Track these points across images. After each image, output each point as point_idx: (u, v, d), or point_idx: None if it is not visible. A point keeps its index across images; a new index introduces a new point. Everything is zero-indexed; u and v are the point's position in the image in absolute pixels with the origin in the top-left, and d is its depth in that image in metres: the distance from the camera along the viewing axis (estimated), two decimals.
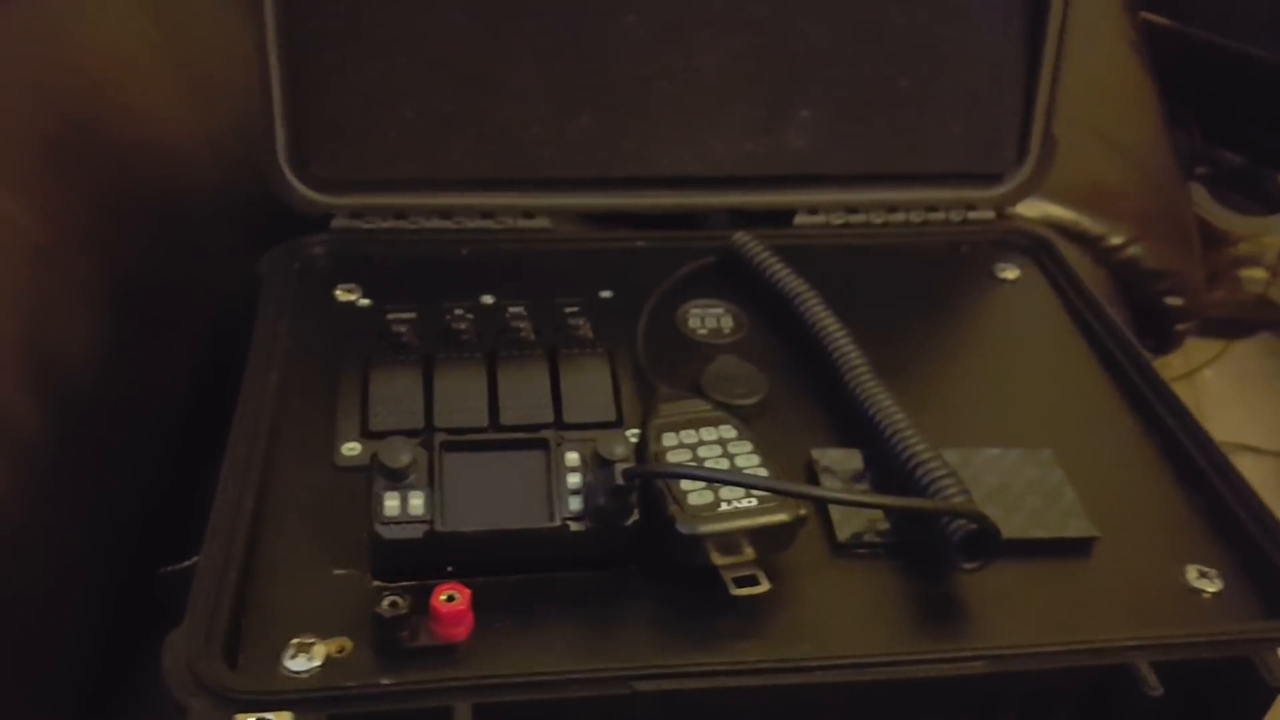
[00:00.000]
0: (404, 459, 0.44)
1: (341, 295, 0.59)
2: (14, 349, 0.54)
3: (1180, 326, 0.90)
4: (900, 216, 0.68)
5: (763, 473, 0.46)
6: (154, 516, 0.58)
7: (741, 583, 0.44)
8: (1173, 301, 0.89)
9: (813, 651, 0.43)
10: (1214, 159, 1.27)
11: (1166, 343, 0.90)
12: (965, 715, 0.45)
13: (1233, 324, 1.31)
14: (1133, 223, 0.87)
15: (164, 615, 0.43)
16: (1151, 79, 1.01)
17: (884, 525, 0.48)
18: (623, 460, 0.44)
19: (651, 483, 0.45)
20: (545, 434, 0.46)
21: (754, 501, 0.44)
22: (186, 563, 0.51)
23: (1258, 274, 1.27)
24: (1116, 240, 0.87)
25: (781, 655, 0.43)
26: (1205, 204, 1.22)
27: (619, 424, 0.52)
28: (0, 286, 0.53)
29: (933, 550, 0.47)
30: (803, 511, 0.45)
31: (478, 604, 0.42)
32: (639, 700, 0.41)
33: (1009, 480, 0.50)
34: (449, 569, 0.44)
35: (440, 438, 0.46)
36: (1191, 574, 0.48)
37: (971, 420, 0.55)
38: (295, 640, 0.42)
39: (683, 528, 0.44)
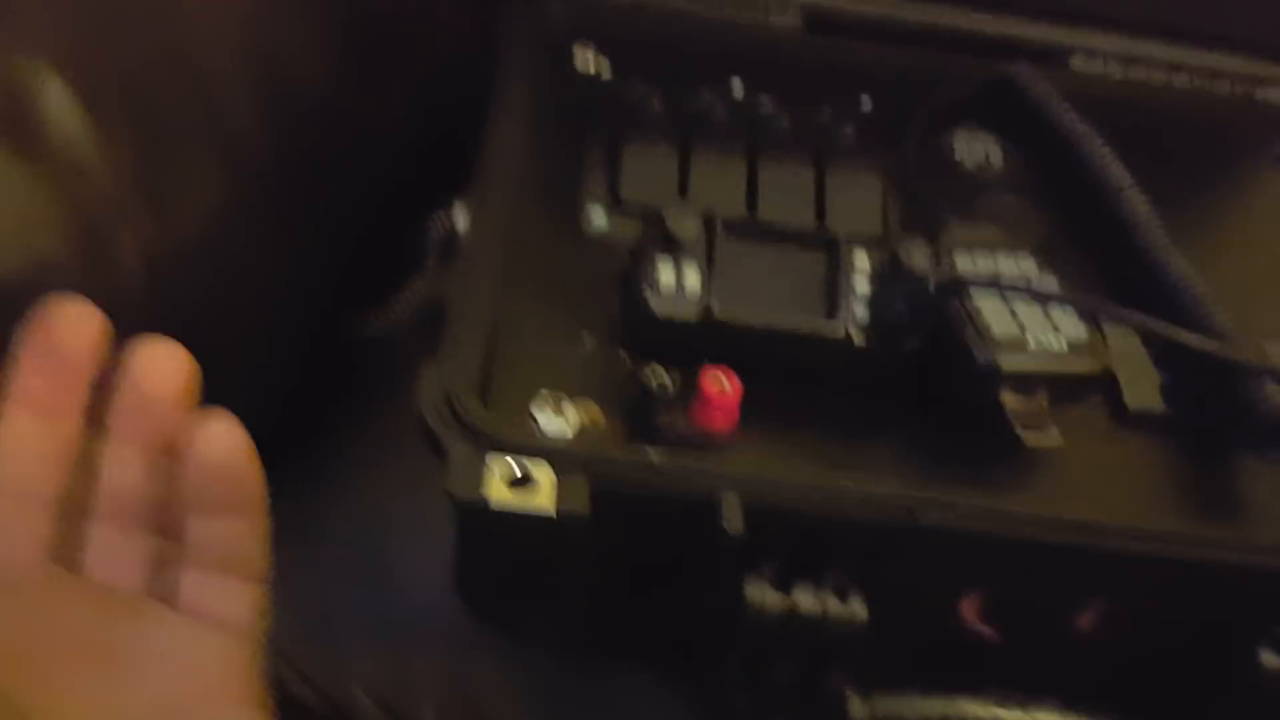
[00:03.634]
0: (690, 229, 0.39)
1: (583, 64, 0.54)
2: (234, 56, 0.49)
3: None
4: (1185, 80, 0.61)
5: None
6: (360, 257, 0.54)
7: (1032, 430, 0.40)
8: None
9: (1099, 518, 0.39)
10: None
11: None
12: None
13: None
14: None
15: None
16: None
17: (1179, 399, 0.43)
18: (926, 272, 0.39)
19: (953, 303, 0.40)
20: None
21: (1064, 345, 0.40)
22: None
23: None
24: None
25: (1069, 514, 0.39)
26: None
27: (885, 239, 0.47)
28: None
29: (1230, 435, 0.42)
30: (1109, 365, 0.40)
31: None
32: (916, 533, 0.37)
33: None
34: (708, 360, 0.40)
35: (722, 217, 0.41)
36: None
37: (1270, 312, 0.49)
38: (545, 391, 0.38)
39: (981, 357, 0.39)
